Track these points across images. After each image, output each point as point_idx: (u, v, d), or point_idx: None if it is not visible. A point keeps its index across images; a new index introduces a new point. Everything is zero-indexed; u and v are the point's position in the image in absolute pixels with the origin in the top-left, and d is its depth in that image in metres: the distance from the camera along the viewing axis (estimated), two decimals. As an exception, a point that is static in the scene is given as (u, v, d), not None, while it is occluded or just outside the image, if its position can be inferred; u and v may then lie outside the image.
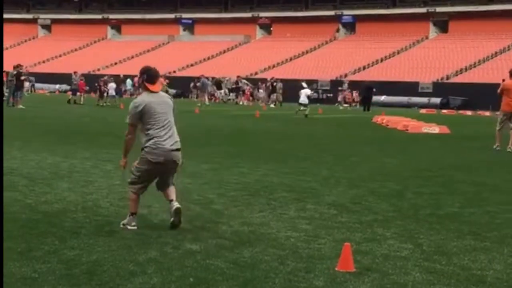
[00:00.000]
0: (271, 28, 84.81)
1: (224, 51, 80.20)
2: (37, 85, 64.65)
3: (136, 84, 60.96)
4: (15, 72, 34.73)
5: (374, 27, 75.24)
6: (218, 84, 55.94)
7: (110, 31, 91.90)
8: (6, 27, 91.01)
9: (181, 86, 61.52)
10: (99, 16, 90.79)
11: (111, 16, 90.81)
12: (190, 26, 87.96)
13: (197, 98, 52.37)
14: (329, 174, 12.65)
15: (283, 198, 9.70)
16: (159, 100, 8.02)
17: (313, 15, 79.99)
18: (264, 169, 12.94)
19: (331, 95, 62.08)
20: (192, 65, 75.56)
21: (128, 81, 63.93)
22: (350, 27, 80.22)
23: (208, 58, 78.27)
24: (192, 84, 58.96)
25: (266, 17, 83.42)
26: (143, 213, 8.18)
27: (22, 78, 35.57)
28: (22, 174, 11.01)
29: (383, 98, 55.49)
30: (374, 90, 50.49)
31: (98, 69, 73.69)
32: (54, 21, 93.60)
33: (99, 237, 6.91)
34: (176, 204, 7.51)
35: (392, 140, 22.55)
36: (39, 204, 8.58)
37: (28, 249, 6.35)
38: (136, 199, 7.65)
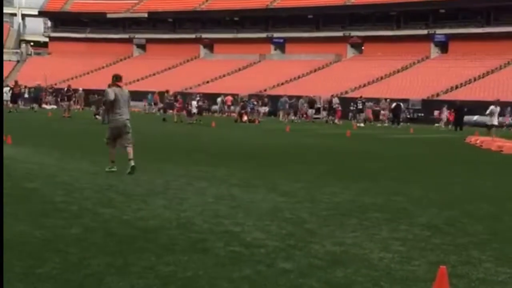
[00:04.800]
0: (363, 47, 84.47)
1: (315, 70, 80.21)
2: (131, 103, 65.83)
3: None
4: (110, 91, 35.50)
5: (468, 46, 73.94)
6: (311, 103, 56.00)
7: (202, 50, 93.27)
8: (104, 47, 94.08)
9: (272, 105, 61.82)
10: (192, 36, 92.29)
11: (204, 36, 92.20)
12: (281, 45, 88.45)
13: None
14: (421, 194, 12.49)
15: (376, 218, 9.63)
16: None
17: (405, 34, 79.28)
18: (355, 188, 12.89)
19: (423, 114, 61.33)
20: (282, 83, 75.82)
21: (219, 99, 64.79)
22: (443, 46, 79.12)
23: (299, 77, 78.41)
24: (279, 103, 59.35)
25: (358, 36, 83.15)
26: (235, 231, 8.27)
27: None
28: (119, 190, 11.27)
29: (475, 118, 54.38)
30: (466, 109, 49.66)
31: (190, 88, 74.74)
32: (149, 40, 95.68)
33: (193, 254, 7.01)
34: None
35: (486, 161, 22.10)
36: (136, 220, 8.76)
37: (126, 264, 6.49)
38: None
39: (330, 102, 55.74)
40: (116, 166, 14.27)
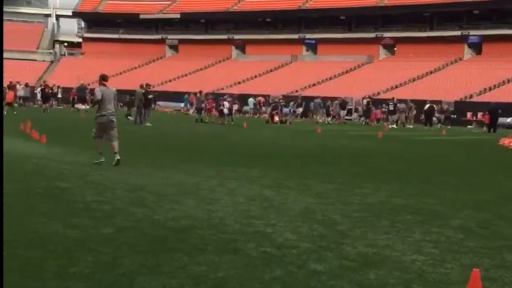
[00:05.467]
0: (395, 49, 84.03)
1: (347, 71, 79.95)
2: (162, 103, 66.64)
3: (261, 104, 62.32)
4: (143, 91, 35.75)
5: (502, 48, 73.13)
6: (343, 104, 55.85)
7: (234, 51, 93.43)
8: (137, 48, 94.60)
9: (304, 106, 61.74)
10: (224, 37, 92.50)
11: (236, 37, 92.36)
12: (313, 46, 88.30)
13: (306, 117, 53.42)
14: (454, 196, 12.39)
15: (408, 220, 9.57)
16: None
17: (438, 35, 78.74)
18: (387, 190, 12.82)
19: (455, 116, 60.85)
20: (314, 84, 75.70)
21: (251, 100, 64.91)
22: (476, 47, 78.44)
23: (331, 78, 78.19)
24: (312, 104, 59.30)
25: (390, 37, 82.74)
26: (267, 232, 8.26)
27: (150, 96, 36.52)
28: (151, 190, 11.32)
29: (509, 120, 53.87)
30: (500, 111, 49.16)
31: (222, 88, 74.89)
32: (181, 41, 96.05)
33: (225, 254, 7.02)
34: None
35: (520, 163, 21.88)
36: (167, 220, 8.79)
37: (158, 264, 6.52)
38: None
39: (368, 103, 55.52)
40: (146, 166, 14.34)
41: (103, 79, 15.87)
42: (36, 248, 6.90)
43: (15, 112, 39.83)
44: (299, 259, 6.98)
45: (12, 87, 48.98)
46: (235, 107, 45.78)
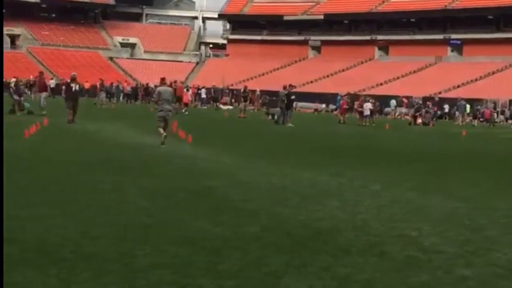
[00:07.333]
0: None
1: (493, 72, 77.52)
2: (302, 104, 66.93)
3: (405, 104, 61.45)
4: (286, 92, 36.04)
5: None
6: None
7: (377, 52, 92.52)
8: (280, 49, 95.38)
9: (447, 108, 60.48)
10: (367, 37, 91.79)
11: (379, 37, 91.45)
12: (458, 47, 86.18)
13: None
14: None
15: (560, 228, 9.21)
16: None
17: None
18: (538, 196, 12.36)
19: None
20: (458, 86, 73.88)
21: (392, 101, 64.15)
22: None
23: (476, 80, 76.08)
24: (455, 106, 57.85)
25: (541, 37, 79.55)
26: (412, 235, 8.18)
27: (292, 97, 36.74)
28: (295, 191, 11.41)
29: None
30: None
31: (363, 90, 74.39)
32: (324, 42, 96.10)
33: (370, 257, 7.00)
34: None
35: None
36: (312, 221, 8.84)
37: (303, 264, 6.58)
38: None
39: None
40: (289, 166, 14.48)
41: (162, 80, 20.67)
42: (185, 244, 7.12)
43: (186, 113, 41.09)
44: (446, 264, 6.86)
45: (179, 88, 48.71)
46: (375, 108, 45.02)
